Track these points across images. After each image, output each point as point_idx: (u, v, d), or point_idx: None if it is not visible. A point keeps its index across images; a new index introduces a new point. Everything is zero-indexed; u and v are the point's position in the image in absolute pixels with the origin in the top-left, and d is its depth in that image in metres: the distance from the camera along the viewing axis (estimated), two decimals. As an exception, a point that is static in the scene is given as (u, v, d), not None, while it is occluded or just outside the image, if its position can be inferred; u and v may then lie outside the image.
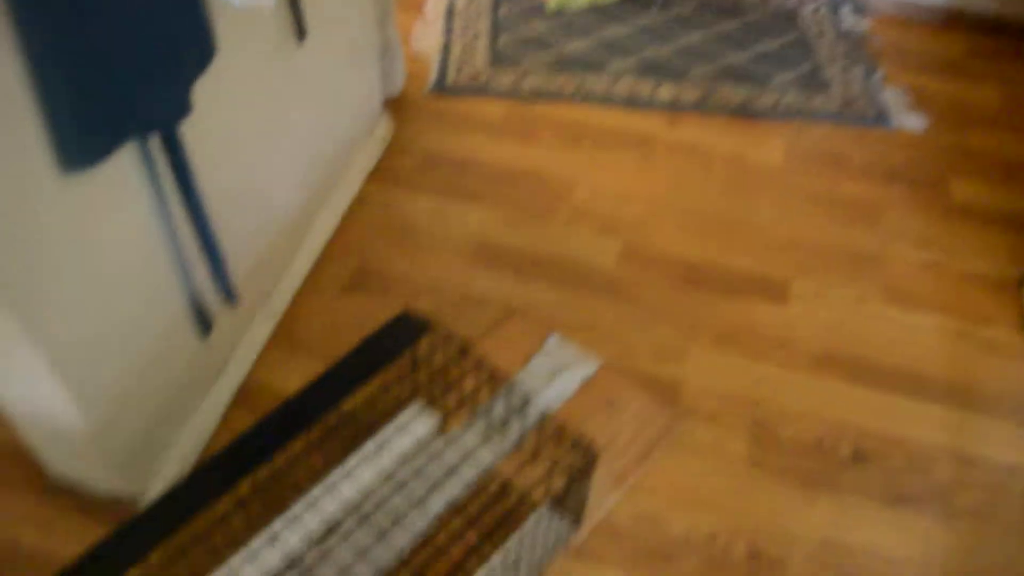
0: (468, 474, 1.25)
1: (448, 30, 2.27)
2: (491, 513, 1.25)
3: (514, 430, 1.28)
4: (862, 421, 1.42)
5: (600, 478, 1.29)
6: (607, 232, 1.73)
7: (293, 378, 1.46)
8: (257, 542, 1.14)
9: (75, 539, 1.26)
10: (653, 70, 2.15)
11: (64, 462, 1.25)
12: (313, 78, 1.51)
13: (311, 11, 1.43)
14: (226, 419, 1.41)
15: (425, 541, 1.22)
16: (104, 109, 0.96)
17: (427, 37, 2.25)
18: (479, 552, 1.21)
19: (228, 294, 1.32)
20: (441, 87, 2.08)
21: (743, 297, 1.61)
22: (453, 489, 1.24)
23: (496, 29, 2.28)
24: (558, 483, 1.25)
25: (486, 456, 1.26)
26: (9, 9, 0.82)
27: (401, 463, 1.24)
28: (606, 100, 2.05)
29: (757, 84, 2.11)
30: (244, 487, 1.23)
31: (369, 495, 1.22)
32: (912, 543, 1.28)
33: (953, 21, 2.35)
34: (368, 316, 1.56)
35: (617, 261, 1.67)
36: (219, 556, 1.17)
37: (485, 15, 2.33)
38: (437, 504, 1.22)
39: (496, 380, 1.18)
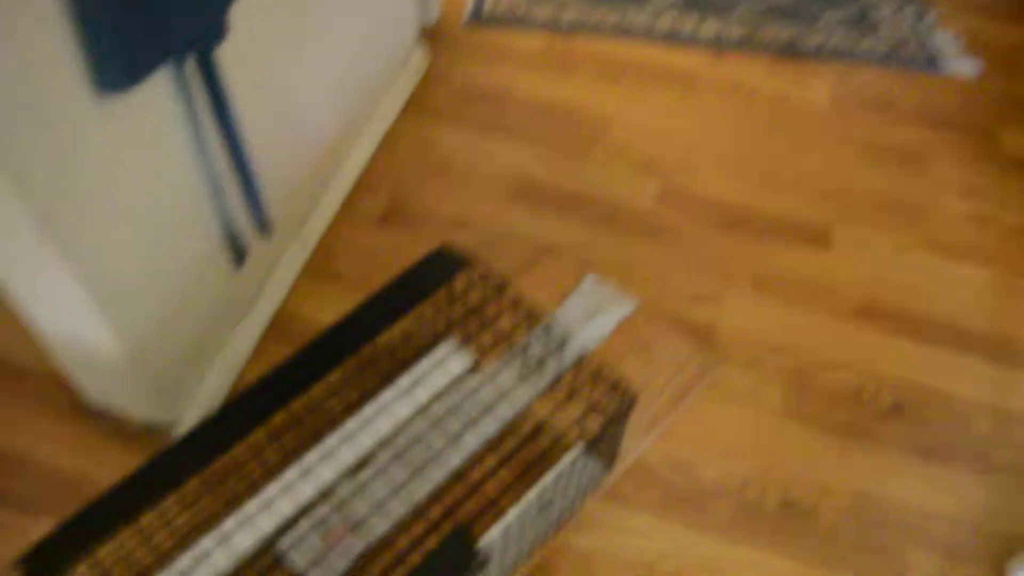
0: (503, 412, 1.24)
1: (486, -42, 2.21)
2: (525, 452, 1.25)
3: (550, 370, 1.27)
4: (901, 373, 1.40)
5: (633, 421, 1.28)
6: (645, 171, 1.69)
7: (325, 310, 1.45)
8: (291, 473, 1.15)
9: (110, 464, 1.27)
10: (697, 5, 2.09)
11: (100, 389, 1.25)
12: (348, 3, 1.47)
13: (352, -66, 1.39)
14: (259, 350, 1.40)
15: (458, 478, 1.22)
16: (142, 28, 0.94)
17: (465, -36, 2.19)
18: (512, 491, 1.21)
19: (262, 223, 1.30)
20: (478, 17, 2.03)
21: (783, 242, 1.58)
22: (488, 427, 1.23)
23: (536, -42, 2.21)
24: (593, 425, 1.24)
25: (522, 395, 1.25)
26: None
27: (436, 399, 1.24)
28: (647, 35, 2.00)
29: (804, 23, 2.05)
30: (279, 418, 1.23)
31: (404, 430, 1.22)
32: (946, 497, 1.27)
33: (1011, -38, 2.26)
34: (401, 250, 1.54)
35: (655, 201, 1.64)
36: (254, 486, 1.18)
37: (525, -57, 2.26)
38: (472, 441, 1.22)
39: (533, 319, 1.16)
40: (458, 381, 1.27)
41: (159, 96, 1.03)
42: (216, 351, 1.33)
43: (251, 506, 1.12)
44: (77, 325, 1.09)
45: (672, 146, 1.74)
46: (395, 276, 1.16)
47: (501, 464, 1.23)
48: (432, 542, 1.16)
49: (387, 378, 1.28)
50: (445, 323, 1.30)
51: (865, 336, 1.44)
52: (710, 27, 2.02)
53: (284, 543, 1.14)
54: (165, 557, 1.12)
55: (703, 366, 1.36)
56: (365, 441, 1.18)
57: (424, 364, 1.25)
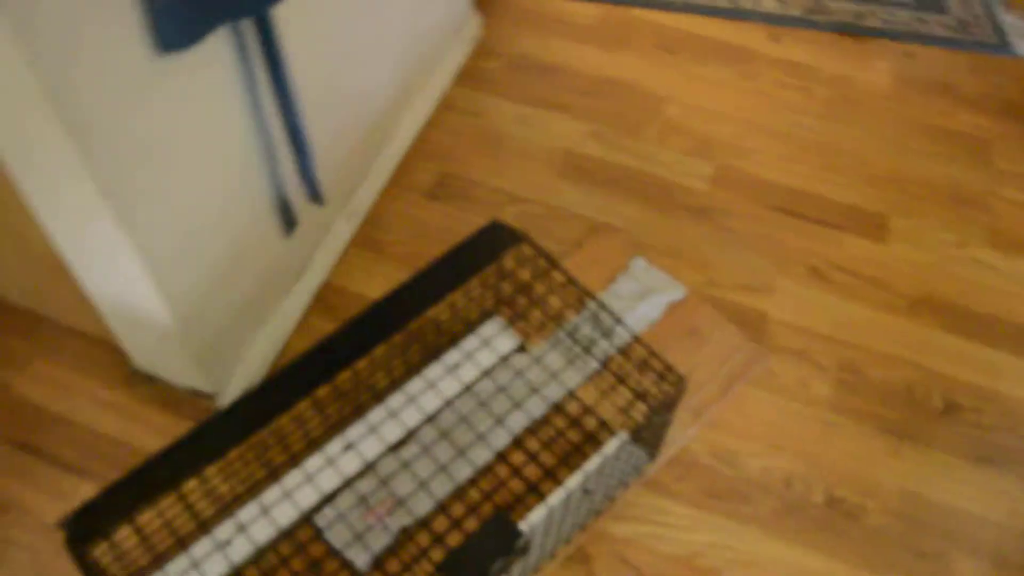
0: (550, 395, 1.23)
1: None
2: (569, 437, 1.23)
3: (598, 354, 1.25)
4: (956, 372, 1.36)
5: (679, 409, 1.26)
6: (699, 152, 1.65)
7: (372, 282, 1.45)
8: (334, 447, 1.14)
9: (153, 430, 1.28)
10: (759, -20, 2.03)
11: (147, 354, 1.26)
12: (408, -29, 1.44)
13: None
14: (304, 322, 1.40)
15: (501, 459, 1.21)
16: (200, -10, 0.93)
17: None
18: (555, 475, 1.20)
19: (313, 192, 1.29)
20: (534, -15, 1.99)
21: (838, 231, 1.54)
22: (534, 409, 1.22)
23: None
24: (639, 412, 1.23)
25: (568, 378, 1.24)
26: None
27: (482, 377, 1.23)
28: (706, 9, 1.94)
29: (867, 0, 1.98)
30: (323, 391, 1.23)
31: (449, 408, 1.21)
32: (996, 503, 1.24)
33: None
34: (450, 223, 1.53)
35: (709, 183, 1.60)
36: (296, 458, 1.18)
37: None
38: (517, 423, 1.21)
39: (582, 300, 1.14)
40: (505, 360, 1.25)
41: (216, 58, 1.02)
42: (262, 321, 1.33)
43: (292, 478, 1.12)
44: (128, 288, 1.09)
45: (728, 126, 1.70)
46: (445, 251, 1.14)
47: (545, 448, 1.22)
48: (472, 524, 1.16)
49: (433, 354, 1.27)
50: (493, 300, 1.29)
51: (920, 332, 1.41)
52: (770, 2, 1.97)
53: (323, 518, 1.15)
54: (205, 525, 1.13)
55: (752, 355, 1.33)
56: (409, 418, 1.17)
57: (471, 341, 1.24)
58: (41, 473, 1.25)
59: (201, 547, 1.07)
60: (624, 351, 1.21)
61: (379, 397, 1.23)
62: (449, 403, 1.20)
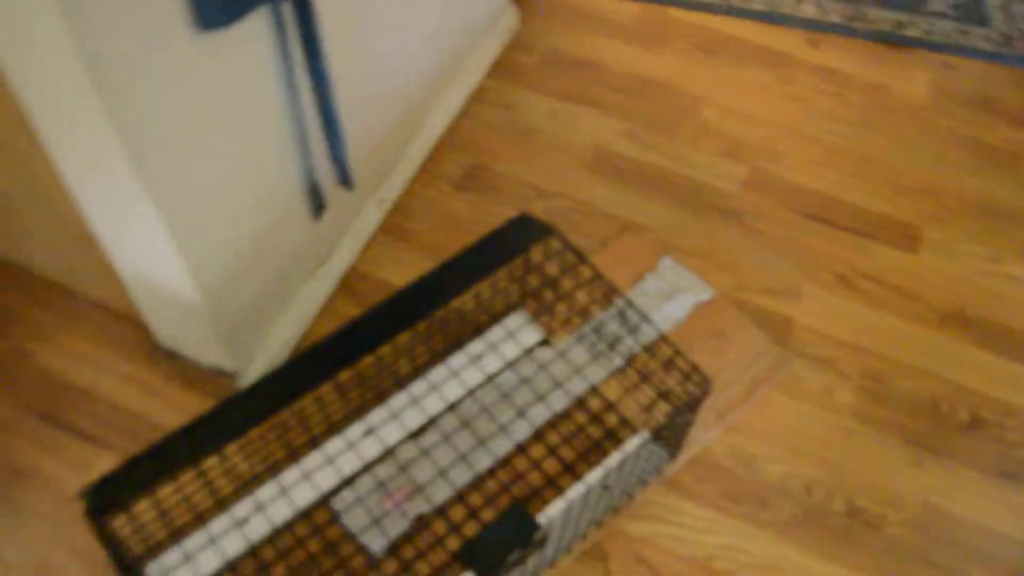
0: (572, 389, 1.22)
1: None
2: (590, 432, 1.23)
3: (623, 351, 1.24)
4: (983, 387, 1.34)
5: (701, 411, 1.25)
6: (733, 155, 1.64)
7: (398, 269, 1.44)
8: (355, 431, 1.14)
9: (174, 406, 1.29)
10: (799, -16, 2.01)
11: (171, 331, 1.26)
12: (448, -40, 1.44)
13: None
14: (328, 307, 1.40)
15: (521, 451, 1.21)
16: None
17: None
18: (574, 470, 1.19)
19: (344, 176, 1.29)
20: (572, -19, 1.99)
21: (869, 240, 1.52)
22: (556, 403, 1.22)
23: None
24: (662, 411, 1.22)
25: (592, 374, 1.23)
26: None
27: (505, 368, 1.22)
28: (744, 11, 1.93)
29: (909, 9, 1.96)
30: (346, 375, 1.23)
31: (471, 398, 1.21)
32: (1017, 520, 1.22)
33: None
34: (479, 215, 1.52)
35: (740, 186, 1.59)
36: (316, 441, 1.18)
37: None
38: (538, 415, 1.20)
39: (609, 297, 1.14)
40: (529, 353, 1.25)
41: (255, 37, 1.02)
42: (287, 303, 1.33)
43: (311, 460, 1.12)
44: (156, 263, 1.09)
45: (762, 129, 1.69)
46: (474, 241, 1.14)
47: (565, 442, 1.22)
48: (489, 515, 1.15)
49: (457, 343, 1.27)
50: (519, 293, 1.28)
51: (948, 345, 1.39)
52: (809, 8, 1.95)
53: (341, 501, 1.15)
54: (224, 502, 1.13)
55: (777, 360, 1.32)
56: (431, 406, 1.17)
57: (496, 332, 1.24)
58: (62, 443, 1.26)
59: (219, 523, 1.07)
60: (649, 349, 1.20)
61: (401, 384, 1.23)
62: (471, 393, 1.19)
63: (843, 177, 1.62)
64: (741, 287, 1.44)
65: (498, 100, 1.71)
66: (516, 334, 1.23)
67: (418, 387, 1.18)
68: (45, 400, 1.30)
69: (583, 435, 1.23)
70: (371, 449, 1.13)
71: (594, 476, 1.05)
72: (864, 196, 1.59)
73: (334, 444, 1.13)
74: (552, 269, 1.25)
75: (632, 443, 1.08)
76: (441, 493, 1.15)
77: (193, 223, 1.05)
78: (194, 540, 1.06)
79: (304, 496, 1.10)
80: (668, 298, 1.36)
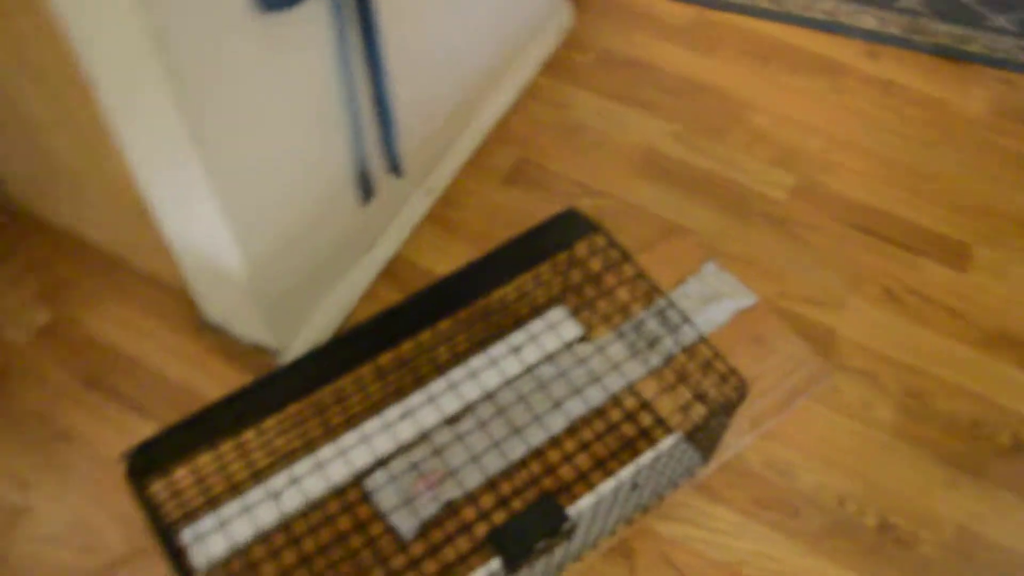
0: (609, 385, 1.23)
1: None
2: (624, 430, 1.23)
3: (662, 350, 1.24)
4: (1027, 410, 1.33)
5: (736, 416, 1.25)
6: (783, 162, 1.63)
7: (442, 260, 1.46)
8: (392, 413, 1.16)
9: (216, 380, 1.31)
10: (860, -5, 1.99)
11: (217, 306, 1.29)
12: (509, -46, 1.45)
13: None
14: (371, 292, 1.42)
15: (555, 444, 1.21)
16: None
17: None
18: (605, 466, 1.20)
19: (394, 163, 1.31)
20: (631, -18, 1.99)
21: (918, 256, 1.51)
22: (592, 398, 1.22)
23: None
24: (698, 413, 1.22)
25: (630, 371, 1.24)
26: None
27: (544, 360, 1.23)
28: (802, 19, 1.92)
29: (971, 24, 1.93)
30: (386, 357, 1.24)
31: (508, 387, 1.22)
32: (1056, 547, 1.20)
33: None
34: (525, 210, 1.53)
35: (789, 194, 1.58)
36: (354, 419, 1.20)
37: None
38: (574, 409, 1.21)
39: (651, 296, 1.14)
40: (568, 347, 1.25)
41: (314, 21, 1.04)
42: (331, 286, 1.35)
43: (348, 439, 1.14)
44: (207, 238, 1.12)
45: (815, 139, 1.68)
46: (519, 232, 1.14)
47: (598, 438, 1.22)
48: (518, 505, 1.16)
49: (497, 334, 1.28)
50: (562, 287, 1.29)
51: (993, 367, 1.37)
52: (869, 19, 1.93)
53: (374, 481, 1.16)
54: (260, 474, 1.15)
55: (817, 371, 1.31)
56: (469, 392, 1.18)
57: (536, 325, 1.24)
58: (106, 409, 1.29)
59: (254, 495, 1.09)
60: (688, 350, 1.20)
61: (440, 370, 1.24)
62: (509, 382, 1.20)
63: (895, 191, 1.60)
64: (784, 295, 1.44)
65: (550, 97, 1.72)
66: (556, 327, 1.24)
67: (457, 373, 1.20)
68: (93, 366, 1.33)
69: (617, 432, 1.23)
70: (407, 431, 1.14)
71: (625, 473, 1.05)
72: (916, 211, 1.57)
73: (371, 424, 1.15)
74: (595, 265, 1.26)
75: (665, 443, 1.09)
76: (473, 479, 1.16)
77: (245, 200, 1.07)
78: (229, 508, 1.08)
79: (338, 473, 1.11)
80: (709, 302, 1.36)
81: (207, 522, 1.07)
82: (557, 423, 1.21)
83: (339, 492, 1.15)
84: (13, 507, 1.20)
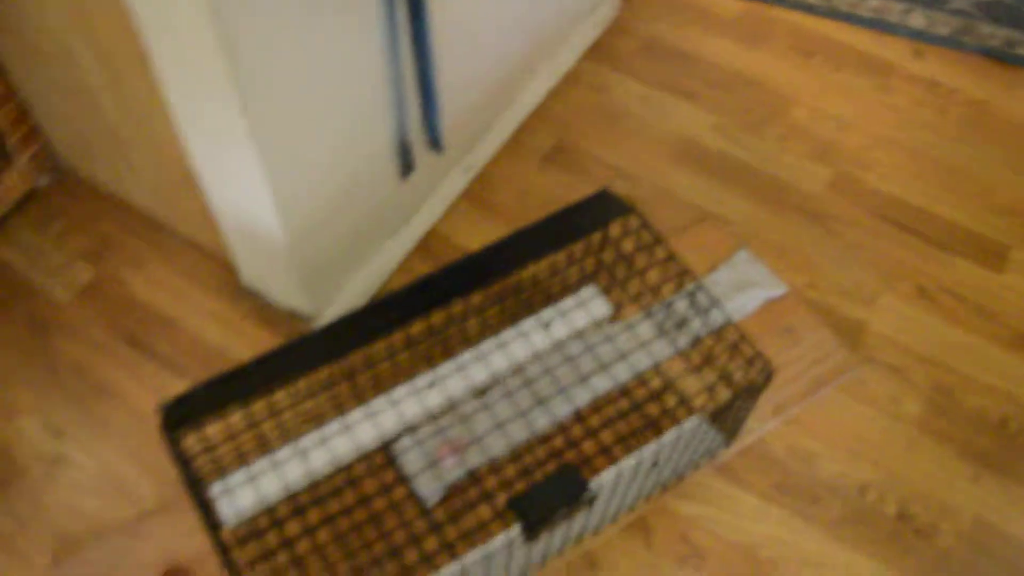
0: (636, 362, 1.24)
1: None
2: (649, 408, 1.24)
3: (691, 331, 1.25)
4: (1056, 412, 1.32)
5: (760, 402, 1.25)
6: (821, 157, 1.63)
7: (476, 237, 1.48)
8: (421, 380, 1.18)
9: (251, 343, 1.34)
10: (909, -6, 1.98)
11: (256, 270, 1.32)
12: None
13: None
14: (406, 264, 1.44)
15: (579, 419, 1.23)
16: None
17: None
18: (627, 443, 1.21)
19: (435, 139, 1.33)
20: (678, -27, 1.99)
21: (954, 254, 1.50)
22: (619, 374, 1.23)
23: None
24: (722, 395, 1.23)
25: (657, 350, 1.25)
26: None
27: (574, 337, 1.24)
28: (850, 16, 1.91)
29: (1020, 27, 1.91)
30: (418, 327, 1.26)
31: (537, 360, 1.23)
32: (1078, 549, 1.20)
33: None
34: (561, 192, 1.55)
35: (825, 189, 1.58)
36: (383, 385, 1.22)
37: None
38: (600, 384, 1.22)
39: (681, 279, 1.15)
40: (597, 325, 1.27)
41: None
42: (367, 257, 1.37)
43: (377, 403, 1.16)
44: (249, 205, 1.14)
45: (854, 135, 1.67)
46: (555, 210, 1.16)
47: (622, 416, 1.24)
48: (540, 476, 1.18)
49: (528, 308, 1.29)
50: (594, 265, 1.30)
51: (1023, 368, 1.36)
52: (917, 18, 1.92)
53: (399, 446, 1.18)
54: (289, 434, 1.18)
55: (845, 362, 1.32)
56: (497, 363, 1.19)
57: (567, 302, 1.26)
58: (144, 367, 1.33)
59: (283, 453, 1.12)
60: (716, 334, 1.21)
61: (470, 341, 1.26)
62: (537, 356, 1.22)
63: (934, 189, 1.59)
64: (814, 287, 1.44)
65: (592, 82, 1.73)
66: (586, 305, 1.25)
67: (486, 345, 1.21)
68: (133, 325, 1.37)
69: (641, 411, 1.24)
70: (434, 399, 1.16)
71: (647, 451, 1.06)
72: (954, 210, 1.56)
73: (399, 391, 1.17)
74: (627, 246, 1.27)
75: (688, 424, 1.10)
76: (497, 446, 1.18)
77: (289, 168, 1.10)
78: (258, 465, 1.11)
79: (366, 435, 1.13)
80: (740, 289, 1.36)
81: (236, 477, 1.10)
82: (582, 397, 1.22)
83: (365, 455, 1.17)
84: (51, 455, 1.24)
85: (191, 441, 1.12)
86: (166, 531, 1.14)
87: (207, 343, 1.36)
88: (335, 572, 1.11)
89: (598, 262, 1.28)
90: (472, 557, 0.99)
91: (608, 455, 1.20)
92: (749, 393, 1.08)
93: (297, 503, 1.14)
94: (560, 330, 1.22)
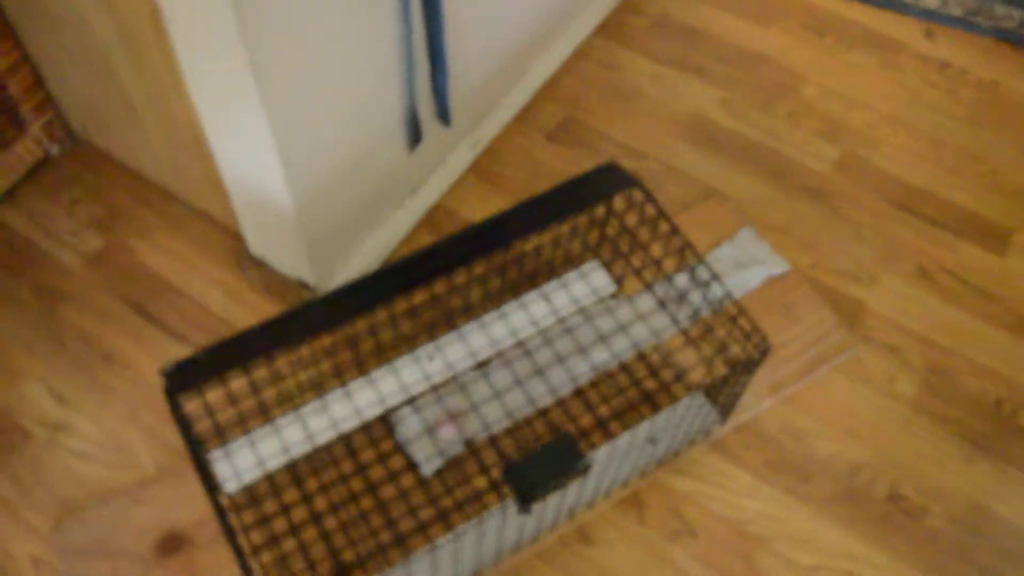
0: (635, 335, 1.25)
1: None
2: (646, 385, 1.26)
3: (691, 305, 1.26)
4: (1052, 396, 1.32)
5: (757, 380, 1.27)
6: (828, 136, 1.63)
7: (482, 211, 1.49)
8: (422, 349, 1.19)
9: (255, 312, 1.36)
10: (924, -27, 1.96)
11: (262, 239, 1.33)
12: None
13: None
14: (412, 236, 1.45)
15: (577, 393, 1.24)
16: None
17: None
18: (624, 418, 1.23)
19: (443, 111, 1.34)
20: (691, -52, 1.98)
21: (957, 237, 1.50)
22: (618, 347, 1.25)
23: None
24: (719, 370, 1.24)
25: (656, 323, 1.26)
26: None
27: (574, 309, 1.26)
28: (863, -4, 1.90)
29: (1037, 11, 1.90)
30: (420, 296, 1.28)
31: (537, 330, 1.25)
32: (1069, 531, 1.21)
33: None
34: (568, 167, 1.55)
35: (832, 168, 1.58)
36: (385, 354, 1.24)
37: None
38: (598, 356, 1.24)
39: (684, 254, 1.16)
40: (598, 297, 1.28)
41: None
42: (373, 227, 1.38)
43: (378, 372, 1.18)
44: (258, 172, 1.15)
45: (863, 114, 1.67)
46: (561, 182, 1.17)
47: (620, 392, 1.25)
48: (536, 447, 1.19)
49: (530, 279, 1.31)
50: (597, 238, 1.31)
51: (1022, 350, 1.37)
52: (933, -1, 1.91)
53: (398, 416, 1.20)
54: (290, 400, 1.20)
55: (843, 342, 1.32)
56: (497, 332, 1.21)
57: (569, 274, 1.27)
58: (147, 334, 1.35)
59: (284, 419, 1.14)
60: (715, 309, 1.22)
61: (472, 310, 1.27)
62: (537, 327, 1.23)
63: (940, 171, 1.59)
64: (816, 266, 1.44)
65: (602, 58, 1.73)
66: (588, 278, 1.26)
67: (488, 316, 1.23)
68: (139, 293, 1.38)
69: (638, 387, 1.26)
70: (434, 368, 1.18)
71: (643, 425, 1.08)
72: (959, 192, 1.56)
73: (400, 360, 1.19)
74: (631, 219, 1.28)
75: (685, 399, 1.11)
76: (495, 415, 1.20)
77: (299, 137, 1.11)
78: (259, 431, 1.13)
79: (366, 401, 1.15)
80: (742, 267, 1.37)
81: (237, 442, 1.13)
82: (581, 368, 1.24)
83: (365, 424, 1.19)
84: (54, 421, 1.27)
85: (193, 405, 1.14)
86: (167, 497, 1.16)
87: (212, 312, 1.38)
88: (331, 540, 1.13)
89: (601, 235, 1.29)
90: (466, 527, 1.01)
91: (604, 429, 1.22)
92: (746, 368, 1.09)
93: (296, 471, 1.17)
94: (561, 302, 1.24)
